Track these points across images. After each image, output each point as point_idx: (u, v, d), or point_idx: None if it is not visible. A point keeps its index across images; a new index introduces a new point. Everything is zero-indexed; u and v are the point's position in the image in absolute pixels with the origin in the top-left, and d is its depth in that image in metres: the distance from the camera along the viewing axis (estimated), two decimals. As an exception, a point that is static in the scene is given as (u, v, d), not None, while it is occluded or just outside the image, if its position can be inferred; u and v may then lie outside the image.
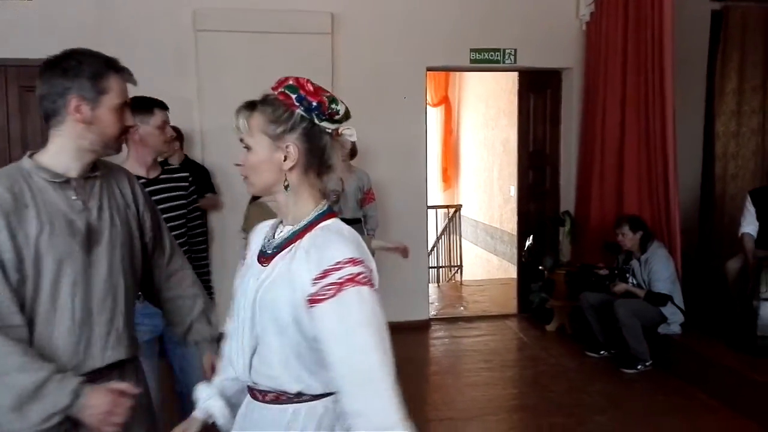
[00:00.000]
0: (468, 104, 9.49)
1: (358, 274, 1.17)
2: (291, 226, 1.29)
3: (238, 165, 1.29)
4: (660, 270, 4.38)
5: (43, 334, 1.42)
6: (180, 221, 2.59)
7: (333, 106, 1.25)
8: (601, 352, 4.66)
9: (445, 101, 9.94)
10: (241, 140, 1.27)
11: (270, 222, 1.39)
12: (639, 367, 4.35)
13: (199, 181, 4.65)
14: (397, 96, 5.27)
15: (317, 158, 1.27)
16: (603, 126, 5.27)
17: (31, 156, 1.51)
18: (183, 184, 2.66)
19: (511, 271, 6.74)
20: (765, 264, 3.93)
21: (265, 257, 1.29)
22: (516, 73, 5.87)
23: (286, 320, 1.21)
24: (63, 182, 1.49)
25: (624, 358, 4.46)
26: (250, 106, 1.26)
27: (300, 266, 1.20)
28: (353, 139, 1.31)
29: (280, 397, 1.26)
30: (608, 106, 5.22)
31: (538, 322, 5.54)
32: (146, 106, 2.42)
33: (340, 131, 1.29)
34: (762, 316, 3.82)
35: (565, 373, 4.44)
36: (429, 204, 5.90)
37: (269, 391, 1.27)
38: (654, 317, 4.38)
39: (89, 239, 1.49)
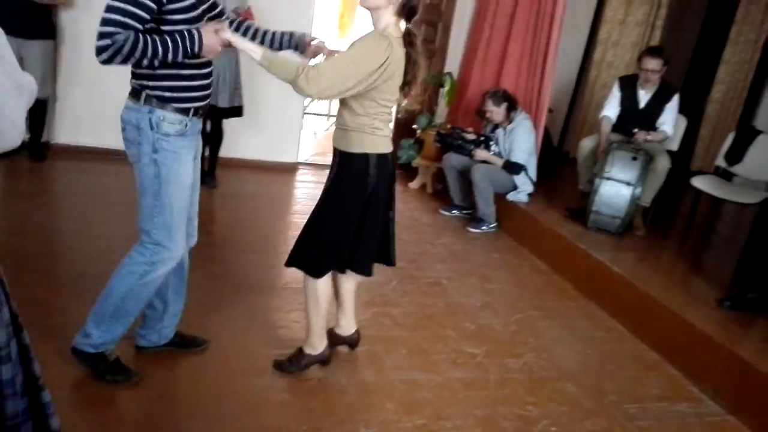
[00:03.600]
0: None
1: None
2: None
3: None
4: (520, 141, 4.56)
5: None
6: None
7: None
8: (453, 212, 4.91)
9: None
10: None
11: None
12: (484, 228, 4.64)
13: None
14: None
15: None
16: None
17: None
18: None
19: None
20: (615, 147, 4.19)
21: None
22: None
23: None
24: None
25: (473, 218, 4.73)
26: None
27: None
28: None
29: None
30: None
31: (404, 179, 5.69)
32: None
33: None
34: (600, 193, 4.13)
35: (417, 227, 4.65)
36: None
37: None
38: (506, 184, 4.63)
39: None
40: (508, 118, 4.64)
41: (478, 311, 3.37)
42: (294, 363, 2.53)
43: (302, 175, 5.59)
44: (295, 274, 2.54)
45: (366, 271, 2.48)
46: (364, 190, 2.32)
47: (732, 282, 3.43)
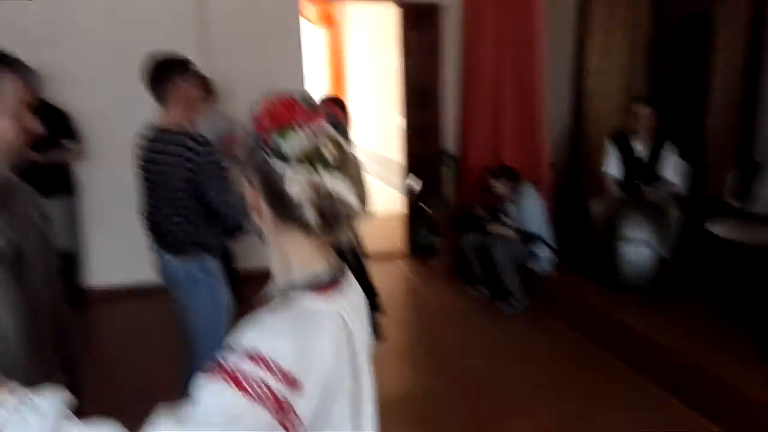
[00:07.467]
0: (355, 28, 9.19)
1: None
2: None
3: None
4: (530, 211, 4.63)
5: None
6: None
7: (276, 138, 0.93)
8: (482, 289, 4.92)
9: (330, 22, 9.52)
10: None
11: None
12: (513, 302, 4.65)
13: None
14: (268, 25, 5.04)
15: (278, 202, 0.96)
16: (479, 66, 5.29)
17: None
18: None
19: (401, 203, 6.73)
20: (626, 208, 4.25)
21: None
22: (396, 7, 5.65)
23: None
24: None
25: (500, 294, 4.73)
26: None
27: None
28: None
29: None
30: (484, 45, 5.24)
31: (424, 262, 5.73)
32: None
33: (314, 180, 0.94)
34: (623, 255, 4.17)
35: (446, 311, 4.72)
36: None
37: None
38: (526, 256, 4.67)
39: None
40: (515, 190, 4.72)
41: (530, 408, 3.34)
42: None
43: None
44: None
45: None
46: None
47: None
